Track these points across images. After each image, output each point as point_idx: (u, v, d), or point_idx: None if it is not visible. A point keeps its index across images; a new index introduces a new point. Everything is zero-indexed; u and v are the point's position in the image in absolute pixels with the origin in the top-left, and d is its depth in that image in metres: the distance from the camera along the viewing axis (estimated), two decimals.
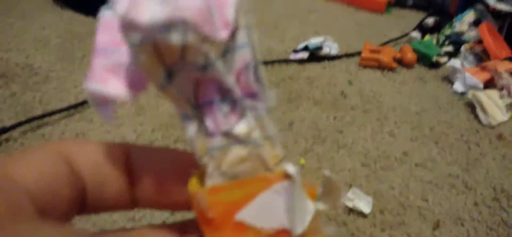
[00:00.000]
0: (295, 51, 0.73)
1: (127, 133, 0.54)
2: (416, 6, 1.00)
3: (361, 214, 0.45)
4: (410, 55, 0.73)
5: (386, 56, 0.72)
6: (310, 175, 0.51)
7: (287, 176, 0.13)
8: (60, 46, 0.73)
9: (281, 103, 0.62)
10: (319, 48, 0.73)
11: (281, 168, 0.13)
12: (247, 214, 0.13)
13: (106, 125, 0.55)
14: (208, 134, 0.13)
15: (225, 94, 0.12)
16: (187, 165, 0.14)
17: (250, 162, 0.13)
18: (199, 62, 0.11)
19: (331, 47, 0.74)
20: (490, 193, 0.52)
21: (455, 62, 0.71)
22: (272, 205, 0.13)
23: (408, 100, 0.66)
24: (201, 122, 0.13)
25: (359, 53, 0.74)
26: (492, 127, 0.62)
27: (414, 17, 0.95)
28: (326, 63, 0.73)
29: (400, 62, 0.74)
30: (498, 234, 0.47)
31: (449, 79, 0.72)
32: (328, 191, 0.14)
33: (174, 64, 0.11)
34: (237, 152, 0.13)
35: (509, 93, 0.65)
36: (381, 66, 0.72)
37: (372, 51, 0.73)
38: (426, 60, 0.75)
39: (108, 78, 0.13)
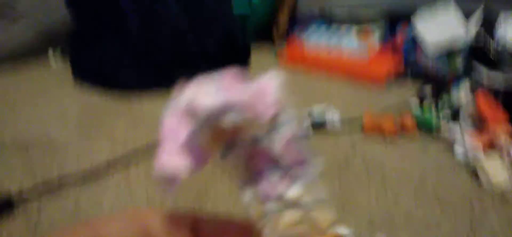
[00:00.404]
0: None
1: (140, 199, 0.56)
2: (414, 78, 1.04)
3: None
4: (410, 122, 0.76)
5: (387, 123, 0.74)
6: None
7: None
8: (78, 118, 0.77)
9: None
10: (323, 123, 0.76)
11: (333, 231, 0.15)
12: None
13: (119, 191, 0.57)
14: (262, 199, 0.14)
15: (275, 163, 0.14)
16: (245, 230, 0.16)
17: (304, 224, 0.15)
18: (253, 138, 0.14)
19: (333, 115, 0.77)
20: None
21: (455, 127, 0.73)
22: None
23: (410, 164, 0.68)
24: (256, 188, 0.14)
25: (360, 120, 0.77)
26: (495, 190, 0.63)
27: (412, 87, 0.99)
28: (328, 131, 0.76)
29: (401, 128, 0.76)
30: None
31: (449, 143, 0.74)
32: None
33: (230, 141, 0.14)
34: (290, 215, 0.14)
35: (509, 156, 0.66)
36: (382, 133, 0.75)
37: (373, 118, 0.76)
38: (425, 126, 0.77)
39: (175, 158, 0.15)
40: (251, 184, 0.15)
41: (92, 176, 0.59)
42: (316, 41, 1.22)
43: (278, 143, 0.14)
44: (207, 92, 0.13)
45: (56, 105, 0.82)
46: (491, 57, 0.82)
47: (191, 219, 0.17)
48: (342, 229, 0.15)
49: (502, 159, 0.66)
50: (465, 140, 0.70)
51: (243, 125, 0.13)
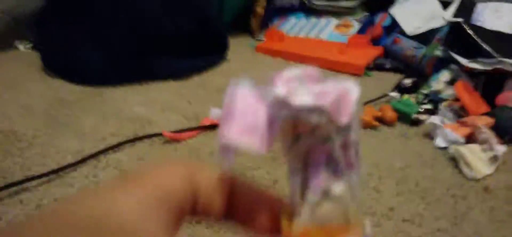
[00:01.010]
0: None
1: None
2: (393, 69, 1.04)
3: None
4: (391, 114, 0.75)
5: (367, 115, 0.73)
6: None
7: (364, 232, 0.17)
8: (46, 113, 0.73)
9: (265, 162, 0.62)
10: None
11: (358, 223, 0.17)
12: None
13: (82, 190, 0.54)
14: (309, 187, 0.17)
15: (330, 161, 0.17)
16: (275, 204, 0.19)
17: (337, 214, 0.17)
18: (322, 136, 0.16)
19: None
20: None
21: (435, 119, 0.73)
22: None
23: (391, 156, 0.67)
24: (305, 177, 0.17)
25: None
26: (478, 180, 0.62)
27: (391, 78, 0.99)
28: None
29: (381, 121, 0.76)
30: None
31: (430, 136, 0.73)
32: None
33: (302, 133, 0.16)
34: (329, 206, 0.17)
35: (490, 146, 0.66)
36: (362, 125, 0.73)
37: None
38: (406, 119, 0.77)
39: (243, 135, 0.17)
40: (303, 174, 0.17)
41: (57, 174, 0.56)
42: (295, 32, 1.21)
43: (342, 146, 0.16)
44: (302, 91, 0.15)
45: (23, 97, 0.78)
46: (470, 45, 0.82)
47: (230, 181, 0.19)
48: (367, 223, 0.18)
49: (483, 150, 0.66)
50: (445, 131, 0.70)
51: (322, 125, 0.16)
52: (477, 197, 0.59)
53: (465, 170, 0.63)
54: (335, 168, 0.17)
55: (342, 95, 0.15)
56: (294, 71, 0.16)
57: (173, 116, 0.73)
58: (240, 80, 0.17)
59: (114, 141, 0.63)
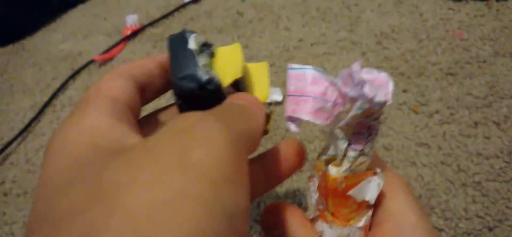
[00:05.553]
0: None
1: None
2: None
3: (277, 103, 0.57)
4: None
5: None
6: None
7: (375, 173, 0.23)
8: None
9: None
10: None
11: (373, 168, 0.23)
12: (354, 191, 0.23)
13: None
14: (351, 149, 0.22)
15: (368, 129, 0.22)
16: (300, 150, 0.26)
17: (364, 165, 0.23)
18: (372, 116, 0.21)
19: None
20: (372, 40, 0.63)
21: None
22: (365, 187, 0.23)
23: None
24: (349, 142, 0.22)
25: None
26: None
27: None
28: None
29: None
30: (383, 69, 0.59)
31: None
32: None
33: (364, 115, 0.21)
34: (361, 159, 0.22)
35: None
36: None
37: None
38: None
39: (314, 114, 0.23)
40: (348, 137, 0.22)
41: (28, 130, 0.61)
42: None
43: (376, 119, 0.22)
44: (380, 92, 0.20)
45: None
46: None
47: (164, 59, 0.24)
48: (378, 169, 0.23)
49: None
50: None
51: (381, 111, 0.21)
52: (367, 0, 0.71)
53: None
54: (368, 134, 0.22)
55: (387, 85, 0.20)
56: (363, 71, 0.21)
57: (96, 39, 0.76)
58: (308, 66, 0.23)
59: (57, 83, 0.67)
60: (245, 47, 0.67)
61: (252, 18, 0.73)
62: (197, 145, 0.15)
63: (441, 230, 0.40)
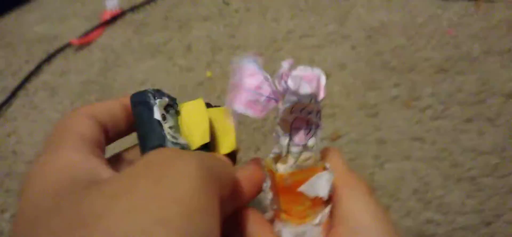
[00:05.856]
0: None
1: None
2: None
3: None
4: None
5: None
6: (219, 81, 0.59)
7: (325, 168, 0.23)
8: None
9: (174, 32, 0.67)
10: None
11: (322, 164, 0.24)
12: (304, 188, 0.23)
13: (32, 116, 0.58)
14: (293, 144, 0.23)
15: (307, 125, 0.23)
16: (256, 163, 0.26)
17: (310, 160, 0.23)
18: (307, 110, 0.22)
19: None
20: (362, 34, 0.63)
21: None
22: (315, 183, 0.23)
23: None
24: (290, 137, 0.23)
25: None
26: None
27: None
28: None
29: None
30: (374, 64, 0.58)
31: None
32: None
33: (294, 109, 0.22)
34: (306, 155, 0.23)
35: None
36: None
37: None
38: None
39: (247, 105, 0.22)
40: (289, 133, 0.23)
41: None
42: None
43: (315, 113, 0.22)
44: (304, 85, 0.20)
45: None
46: None
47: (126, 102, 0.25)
48: (328, 164, 0.24)
49: None
50: None
51: (312, 104, 0.22)
52: None
53: None
54: (309, 129, 0.23)
55: (318, 80, 0.21)
56: (292, 68, 0.22)
57: (74, 22, 0.73)
58: (246, 56, 0.23)
59: (31, 67, 0.64)
60: (231, 36, 0.65)
61: (238, 7, 0.71)
62: (172, 176, 0.16)
63: (438, 224, 0.39)
